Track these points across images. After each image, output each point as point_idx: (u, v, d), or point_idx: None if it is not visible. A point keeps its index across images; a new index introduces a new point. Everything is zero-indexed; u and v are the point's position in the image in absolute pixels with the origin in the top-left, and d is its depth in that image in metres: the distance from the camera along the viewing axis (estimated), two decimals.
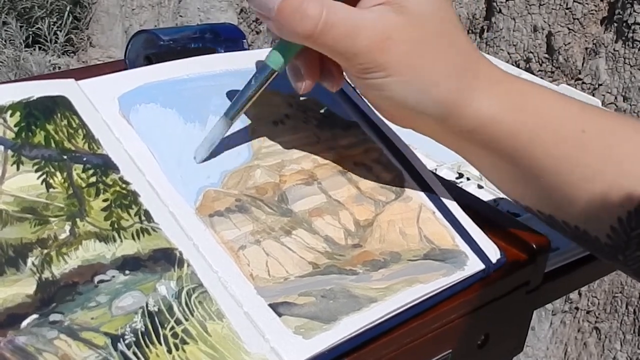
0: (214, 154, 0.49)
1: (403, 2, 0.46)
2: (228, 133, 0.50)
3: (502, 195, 0.61)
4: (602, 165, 0.48)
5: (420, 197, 0.52)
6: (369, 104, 0.57)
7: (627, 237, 0.48)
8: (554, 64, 1.76)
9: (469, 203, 0.54)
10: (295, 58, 0.48)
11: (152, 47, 0.56)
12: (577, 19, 1.87)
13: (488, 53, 0.88)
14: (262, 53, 0.53)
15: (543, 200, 0.51)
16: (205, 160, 0.48)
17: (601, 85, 1.66)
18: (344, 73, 0.50)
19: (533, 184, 0.50)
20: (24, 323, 0.37)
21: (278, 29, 0.46)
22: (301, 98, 0.55)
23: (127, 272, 0.41)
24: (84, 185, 0.43)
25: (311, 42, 0.46)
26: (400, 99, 0.48)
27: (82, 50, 2.95)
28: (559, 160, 0.49)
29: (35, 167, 0.43)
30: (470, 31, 1.91)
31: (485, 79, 0.49)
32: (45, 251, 0.40)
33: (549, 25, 1.88)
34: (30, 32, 2.84)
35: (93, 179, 0.44)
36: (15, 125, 0.44)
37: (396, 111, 0.50)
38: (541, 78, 1.13)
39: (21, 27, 2.81)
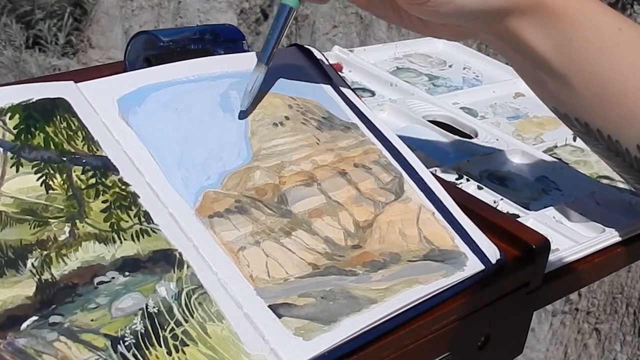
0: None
1: None
2: (227, 134, 0.50)
3: (502, 196, 0.62)
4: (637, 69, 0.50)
5: (419, 198, 0.52)
6: (367, 106, 0.57)
7: None
8: None
9: (469, 204, 0.54)
10: None
11: (152, 48, 0.56)
12: None
13: (489, 55, 0.89)
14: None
15: (581, 107, 0.53)
16: (249, 109, 0.52)
17: None
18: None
19: (573, 91, 0.52)
20: (24, 325, 0.37)
21: None
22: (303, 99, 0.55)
23: (126, 273, 0.41)
24: (83, 186, 0.43)
25: None
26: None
27: (82, 51, 2.95)
28: (596, 64, 0.51)
29: (35, 168, 0.43)
30: None
31: None
32: (45, 252, 0.40)
33: None
34: (31, 34, 2.84)
35: (92, 181, 0.44)
36: (14, 128, 0.44)
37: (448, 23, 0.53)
38: None
39: (21, 28, 2.81)
